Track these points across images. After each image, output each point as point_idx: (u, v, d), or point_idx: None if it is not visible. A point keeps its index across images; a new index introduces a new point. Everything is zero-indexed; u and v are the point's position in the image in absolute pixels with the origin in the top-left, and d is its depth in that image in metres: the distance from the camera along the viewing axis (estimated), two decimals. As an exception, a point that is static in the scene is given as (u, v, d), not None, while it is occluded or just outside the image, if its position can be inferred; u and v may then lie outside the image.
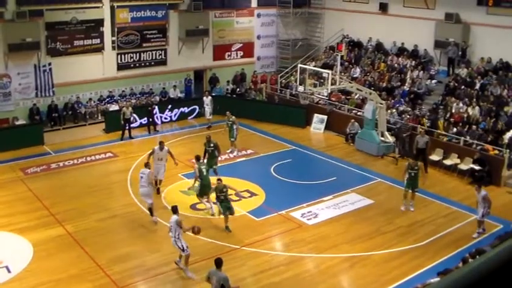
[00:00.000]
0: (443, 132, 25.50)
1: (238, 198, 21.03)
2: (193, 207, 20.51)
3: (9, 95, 30.04)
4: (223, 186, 18.55)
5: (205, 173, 20.33)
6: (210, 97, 30.77)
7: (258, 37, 38.55)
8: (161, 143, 21.96)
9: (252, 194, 21.64)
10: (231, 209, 18.53)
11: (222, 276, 13.42)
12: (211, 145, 22.40)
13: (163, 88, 34.61)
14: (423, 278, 14.99)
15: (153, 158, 21.27)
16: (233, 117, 25.95)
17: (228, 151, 25.99)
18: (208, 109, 30.51)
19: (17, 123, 29.59)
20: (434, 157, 24.75)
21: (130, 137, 28.82)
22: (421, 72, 30.59)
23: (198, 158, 20.79)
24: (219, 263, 13.63)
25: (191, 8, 34.43)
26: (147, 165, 19.46)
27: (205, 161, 21.85)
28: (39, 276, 15.98)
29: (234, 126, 25.88)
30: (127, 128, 28.87)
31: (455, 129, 25.44)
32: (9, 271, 16.18)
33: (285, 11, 38.42)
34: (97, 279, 15.81)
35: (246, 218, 19.70)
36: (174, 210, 16.37)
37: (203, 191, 20.12)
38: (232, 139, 25.93)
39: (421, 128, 25.56)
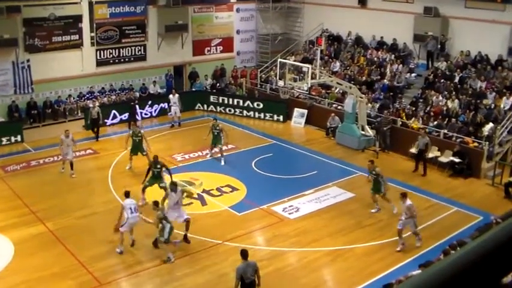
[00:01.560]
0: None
1: (219, 193, 21.06)
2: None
3: (-12, 92, 29.76)
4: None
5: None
6: (177, 95, 30.18)
7: (238, 32, 38.49)
8: (66, 131, 23.57)
9: (233, 189, 21.65)
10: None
11: (253, 263, 13.77)
12: (217, 128, 23.72)
13: (143, 84, 34.46)
14: (405, 270, 15.11)
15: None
16: (220, 125, 24.91)
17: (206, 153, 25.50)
18: (175, 107, 29.89)
19: (-4, 121, 29.32)
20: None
21: (97, 138, 28.32)
22: (401, 65, 30.75)
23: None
24: (245, 254, 13.74)
25: (170, 3, 34.24)
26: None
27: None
28: (21, 274, 15.89)
29: (222, 134, 24.67)
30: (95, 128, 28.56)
31: (435, 122, 25.60)
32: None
33: (264, 6, 38.36)
34: (79, 276, 15.76)
35: (227, 213, 19.72)
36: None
37: None
38: (219, 145, 24.61)
39: (422, 128, 25.48)
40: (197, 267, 16.14)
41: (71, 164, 23.08)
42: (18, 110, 30.11)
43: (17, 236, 18.03)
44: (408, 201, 17.27)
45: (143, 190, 20.17)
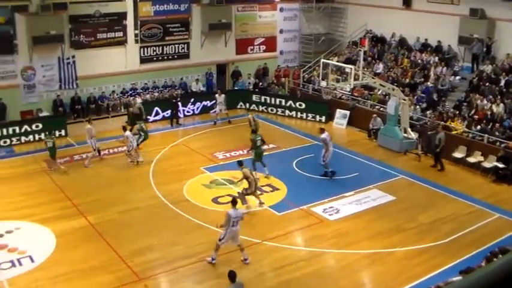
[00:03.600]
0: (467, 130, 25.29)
1: (260, 192, 21.07)
2: (215, 200, 20.54)
3: (34, 87, 30.32)
4: None
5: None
6: (223, 95, 30.47)
7: (281, 31, 38.44)
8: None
9: (274, 189, 21.62)
10: None
11: (241, 285, 13.41)
12: (259, 137, 22.93)
13: (182, 79, 34.66)
14: (444, 276, 14.89)
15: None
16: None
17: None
18: (220, 106, 30.27)
19: (41, 115, 29.82)
20: (458, 154, 24.56)
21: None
22: (445, 68, 30.32)
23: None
24: (233, 276, 13.20)
25: (214, 2, 34.43)
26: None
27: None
28: (62, 266, 16.14)
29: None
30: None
31: (479, 127, 25.17)
32: (32, 261, 16.36)
33: (308, 6, 38.26)
34: (118, 271, 15.92)
35: (267, 213, 19.69)
36: (234, 203, 16.49)
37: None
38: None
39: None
40: (235, 265, 16.08)
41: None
42: (63, 104, 30.63)
43: (59, 228, 18.33)
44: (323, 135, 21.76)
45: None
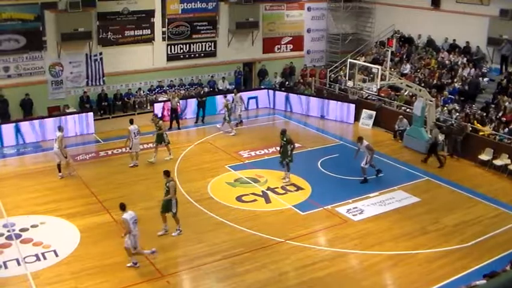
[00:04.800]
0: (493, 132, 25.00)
1: (284, 191, 21.07)
2: (239, 199, 20.56)
3: (61, 83, 30.67)
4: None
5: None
6: (239, 94, 30.12)
7: (308, 31, 38.37)
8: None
9: (298, 188, 21.58)
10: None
11: None
12: (285, 139, 22.00)
13: (212, 77, 34.77)
14: (468, 279, 14.77)
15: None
16: (160, 121, 24.99)
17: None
18: (238, 106, 29.73)
19: (68, 110, 30.11)
20: (484, 157, 24.28)
21: (178, 128, 29.08)
22: (473, 69, 29.99)
23: None
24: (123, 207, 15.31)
25: (241, 0, 34.48)
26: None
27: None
28: (85, 261, 16.31)
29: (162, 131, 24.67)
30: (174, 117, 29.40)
31: (506, 129, 24.86)
32: (56, 255, 16.53)
33: (335, 5, 38.13)
34: (141, 267, 16.01)
35: (291, 212, 19.67)
36: (123, 207, 15.89)
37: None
38: (163, 144, 24.51)
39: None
40: (258, 264, 16.16)
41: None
42: (89, 101, 30.90)
43: (83, 223, 18.53)
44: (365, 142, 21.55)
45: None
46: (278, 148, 22.80)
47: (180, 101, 30.11)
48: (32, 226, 18.38)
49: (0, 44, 28.63)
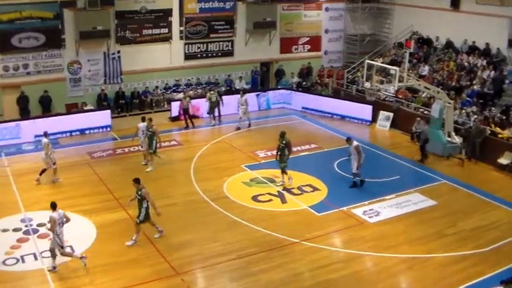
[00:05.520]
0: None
1: (300, 192, 21.00)
2: (254, 198, 20.53)
3: (79, 81, 30.88)
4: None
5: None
6: (245, 96, 29.50)
7: (326, 31, 38.25)
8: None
9: (314, 189, 21.49)
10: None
11: None
12: (284, 142, 21.60)
13: (229, 76, 34.79)
14: (485, 285, 14.69)
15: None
16: (154, 126, 23.44)
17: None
18: (242, 109, 29.12)
19: (86, 108, 30.28)
20: (503, 160, 24.05)
21: (193, 127, 29.32)
22: (493, 72, 29.72)
23: None
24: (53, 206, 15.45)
25: (259, 0, 34.48)
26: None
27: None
28: (100, 257, 16.38)
29: (154, 137, 23.17)
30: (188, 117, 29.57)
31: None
32: (73, 250, 16.56)
33: (353, 6, 38.00)
34: (156, 264, 16.05)
35: (307, 213, 19.60)
36: (53, 206, 15.78)
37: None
38: (150, 150, 23.42)
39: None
40: (273, 264, 16.12)
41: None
42: (107, 99, 31.04)
43: (99, 220, 18.63)
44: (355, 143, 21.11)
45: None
46: (275, 151, 22.28)
47: (192, 101, 30.19)
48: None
49: (20, 41, 28.93)
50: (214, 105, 30.07)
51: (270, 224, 18.46)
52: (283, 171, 21.63)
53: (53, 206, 15.67)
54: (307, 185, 21.74)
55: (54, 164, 22.08)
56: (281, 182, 21.69)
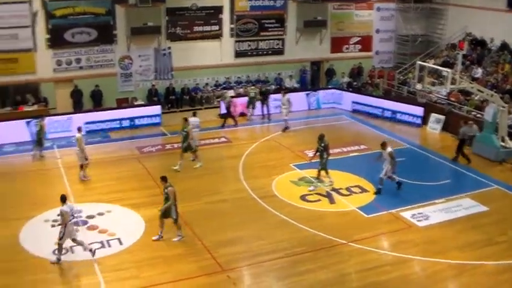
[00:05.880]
0: None
1: (348, 193, 20.82)
2: (303, 198, 20.44)
3: (130, 76, 31.30)
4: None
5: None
6: (287, 96, 29.07)
7: (377, 31, 37.90)
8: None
9: (363, 190, 21.27)
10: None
11: None
12: (322, 144, 21.38)
13: (279, 75, 34.77)
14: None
15: None
16: (189, 126, 23.29)
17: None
18: (284, 109, 28.77)
19: (136, 103, 30.64)
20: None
21: (235, 125, 29.43)
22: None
23: None
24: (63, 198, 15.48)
25: (310, -1, 34.44)
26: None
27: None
28: (147, 251, 16.56)
29: (188, 138, 23.11)
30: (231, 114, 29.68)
31: None
32: (121, 243, 16.83)
33: (405, 6, 37.52)
34: (202, 260, 16.12)
35: (355, 214, 19.41)
36: (63, 199, 15.95)
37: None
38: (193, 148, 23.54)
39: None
40: (320, 264, 16.02)
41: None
42: (157, 94, 31.35)
43: (148, 214, 18.78)
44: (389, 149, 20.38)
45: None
46: (313, 153, 22.22)
47: (236, 99, 30.39)
48: (98, 214, 18.80)
49: (73, 36, 29.54)
50: (253, 100, 30.33)
51: (317, 224, 18.34)
52: (321, 172, 21.38)
53: (63, 199, 15.85)
54: (355, 186, 21.55)
55: (86, 159, 22.05)
56: (329, 182, 21.51)
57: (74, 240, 16.01)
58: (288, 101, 28.79)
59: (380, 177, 20.88)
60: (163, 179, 17.28)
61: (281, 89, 32.83)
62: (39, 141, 24.66)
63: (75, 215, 15.96)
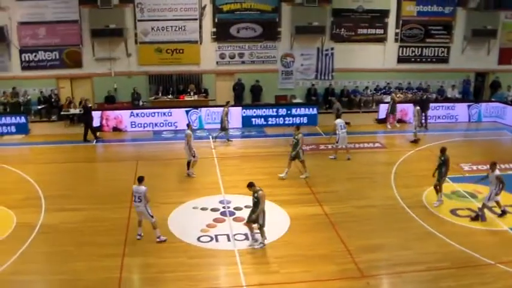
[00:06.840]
0: None
1: (502, 212, 19.88)
2: (453, 212, 19.80)
3: (291, 74, 31.89)
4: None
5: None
6: (417, 107, 27.76)
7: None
8: None
9: (519, 211, 20.22)
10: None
11: None
12: (442, 158, 20.38)
13: (441, 86, 33.93)
14: None
15: None
16: (300, 134, 22.29)
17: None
18: (415, 121, 27.68)
19: (294, 101, 31.14)
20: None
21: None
22: None
23: None
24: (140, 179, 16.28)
25: (481, 7, 33.05)
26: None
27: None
28: (290, 248, 16.77)
29: (298, 146, 22.19)
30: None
31: None
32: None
33: None
34: (343, 264, 16.05)
35: (507, 235, 18.48)
36: (140, 180, 16.52)
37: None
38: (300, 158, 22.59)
39: None
40: (462, 282, 15.42)
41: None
42: (317, 94, 31.69)
43: (294, 211, 19.06)
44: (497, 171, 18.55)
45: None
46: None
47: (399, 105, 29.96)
48: (245, 206, 19.21)
49: (238, 31, 30.62)
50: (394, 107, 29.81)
51: (465, 240, 17.67)
52: (437, 189, 20.37)
53: (140, 180, 16.51)
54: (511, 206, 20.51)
55: (194, 156, 22.19)
56: (438, 202, 20.20)
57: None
58: (418, 112, 27.59)
59: (483, 204, 19.22)
60: (250, 185, 16.87)
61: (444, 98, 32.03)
62: (223, 128, 26.26)
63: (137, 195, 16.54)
